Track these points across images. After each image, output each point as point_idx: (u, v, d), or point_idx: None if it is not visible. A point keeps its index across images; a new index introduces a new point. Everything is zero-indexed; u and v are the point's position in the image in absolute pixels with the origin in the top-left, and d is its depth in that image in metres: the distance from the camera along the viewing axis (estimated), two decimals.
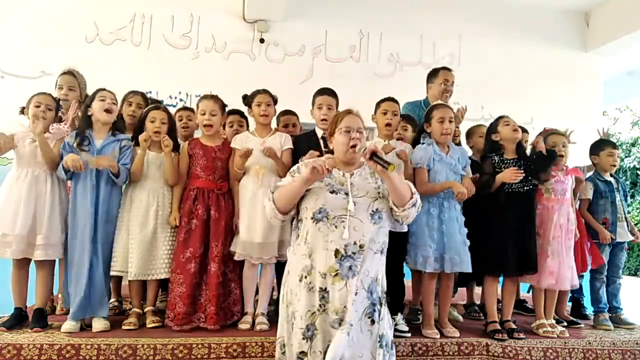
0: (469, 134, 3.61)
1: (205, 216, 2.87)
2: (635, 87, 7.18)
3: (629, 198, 4.23)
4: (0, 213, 2.71)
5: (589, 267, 3.43)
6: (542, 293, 3.12)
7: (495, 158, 3.08)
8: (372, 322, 2.06)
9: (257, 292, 3.01)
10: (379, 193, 2.15)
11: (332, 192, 2.11)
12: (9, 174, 2.80)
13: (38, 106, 2.79)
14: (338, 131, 2.19)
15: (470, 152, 3.41)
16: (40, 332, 2.65)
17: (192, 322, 2.80)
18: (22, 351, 2.46)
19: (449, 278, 2.98)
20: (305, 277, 2.07)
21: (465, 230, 2.93)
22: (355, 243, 2.05)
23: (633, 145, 12.56)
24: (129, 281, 2.88)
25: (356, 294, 2.03)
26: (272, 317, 2.80)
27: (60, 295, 3.06)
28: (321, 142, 2.97)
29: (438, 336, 2.86)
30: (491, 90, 5.28)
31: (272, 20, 5.21)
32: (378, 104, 3.05)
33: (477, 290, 3.55)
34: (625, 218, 3.48)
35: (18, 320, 2.75)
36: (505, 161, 3.06)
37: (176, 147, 2.94)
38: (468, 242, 2.90)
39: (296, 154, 2.97)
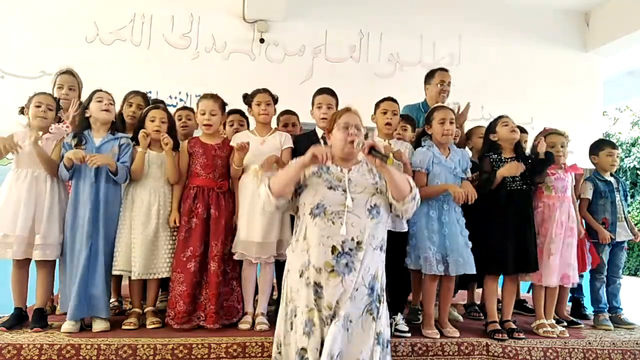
0: (469, 135, 3.61)
1: (205, 215, 2.87)
2: (635, 87, 7.18)
3: (629, 198, 4.22)
4: (0, 214, 2.71)
5: (589, 267, 3.43)
6: (542, 293, 3.12)
7: (494, 157, 3.08)
8: (372, 319, 2.07)
9: (256, 292, 3.01)
10: (377, 189, 2.17)
11: (330, 188, 2.13)
12: (8, 174, 2.80)
13: (39, 106, 2.79)
14: (336, 127, 2.22)
15: (470, 154, 3.41)
16: (40, 332, 2.65)
17: (192, 321, 2.80)
18: (22, 351, 2.46)
19: (450, 279, 2.97)
20: (304, 272, 2.09)
21: (467, 232, 2.93)
22: (352, 239, 2.06)
23: (633, 145, 12.56)
24: (130, 281, 2.88)
25: (357, 289, 2.05)
26: (272, 317, 2.79)
27: (60, 296, 3.06)
28: (321, 141, 2.99)
29: (438, 336, 2.86)
30: (491, 90, 5.28)
31: (272, 20, 5.21)
32: (377, 104, 3.06)
33: (477, 290, 3.55)
34: (625, 218, 3.48)
35: (18, 320, 2.75)
36: (503, 160, 3.06)
37: (176, 146, 2.94)
38: (470, 244, 2.90)
39: (296, 154, 2.97)
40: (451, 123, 2.95)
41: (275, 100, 3.09)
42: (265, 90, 3.05)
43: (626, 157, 12.26)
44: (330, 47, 5.38)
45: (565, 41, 5.92)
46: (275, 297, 3.15)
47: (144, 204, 2.86)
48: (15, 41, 4.75)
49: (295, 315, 2.08)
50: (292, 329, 2.08)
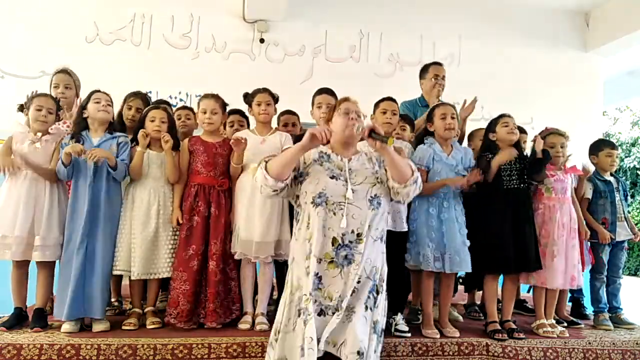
0: (471, 136, 3.61)
1: (206, 213, 2.88)
2: (635, 87, 7.18)
3: (629, 198, 4.23)
4: None
5: (588, 267, 3.43)
6: (542, 293, 3.11)
7: (490, 156, 3.07)
8: (370, 309, 2.09)
9: (256, 292, 3.01)
10: (377, 178, 2.18)
11: (332, 177, 2.14)
12: (8, 175, 2.80)
13: (39, 110, 2.79)
14: (337, 114, 2.23)
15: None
16: (40, 332, 2.65)
17: (194, 319, 2.81)
18: (22, 351, 2.46)
19: (449, 278, 2.98)
20: (305, 260, 2.10)
21: (465, 231, 2.93)
22: (353, 232, 2.08)
23: (633, 145, 12.56)
24: (130, 281, 2.88)
25: (359, 282, 2.06)
26: (272, 317, 2.79)
27: (56, 299, 3.04)
28: None
29: (438, 336, 2.86)
30: (491, 90, 5.26)
31: (272, 20, 5.21)
32: (377, 104, 3.06)
33: (478, 291, 3.55)
34: (625, 217, 3.47)
35: (18, 320, 2.75)
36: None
37: (176, 146, 2.94)
38: (468, 243, 2.91)
39: None
40: (452, 118, 2.96)
41: (275, 99, 3.09)
42: (265, 90, 3.06)
43: (626, 157, 12.26)
44: (330, 47, 5.38)
45: (565, 41, 5.92)
46: (275, 297, 3.14)
47: (143, 203, 2.86)
48: (15, 41, 4.74)
49: (301, 304, 2.08)
50: (299, 315, 2.08)
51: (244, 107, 3.22)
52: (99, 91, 2.89)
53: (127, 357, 2.53)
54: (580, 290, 3.58)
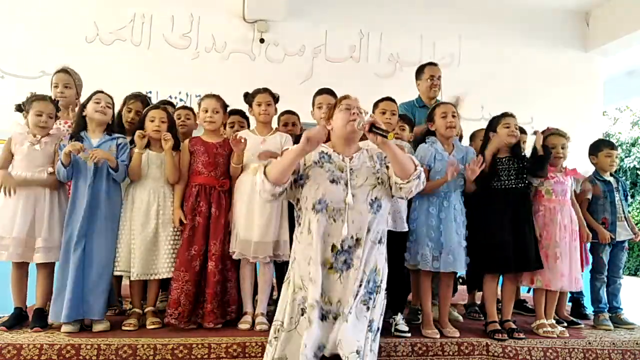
0: (472, 137, 3.61)
1: (208, 213, 2.88)
2: (635, 87, 7.18)
3: (629, 198, 4.23)
4: None
5: (588, 267, 3.43)
6: (543, 293, 3.11)
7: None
8: (367, 309, 2.09)
9: (256, 292, 3.01)
10: (378, 179, 2.17)
11: (332, 181, 2.12)
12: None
13: (39, 115, 2.77)
14: (337, 110, 2.20)
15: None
16: (40, 332, 2.65)
17: (193, 320, 2.81)
18: (22, 351, 2.46)
19: (449, 277, 2.99)
20: (308, 265, 2.09)
21: (463, 231, 2.94)
22: (352, 237, 2.08)
23: (633, 145, 12.56)
24: (130, 281, 2.88)
25: (360, 285, 2.07)
26: (272, 317, 2.79)
27: (52, 302, 3.04)
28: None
29: (438, 336, 2.86)
30: (491, 90, 5.28)
31: (272, 20, 5.21)
32: (376, 104, 3.06)
33: (478, 291, 3.55)
34: (626, 217, 3.47)
35: (18, 320, 2.75)
36: (499, 159, 3.07)
37: (176, 146, 2.94)
38: (464, 243, 2.92)
39: None
40: (453, 116, 2.97)
41: (276, 99, 3.09)
42: (265, 90, 3.06)
43: (626, 157, 12.26)
44: (330, 47, 5.39)
45: (565, 41, 5.92)
46: (275, 297, 3.14)
47: (143, 204, 2.86)
48: (15, 41, 4.75)
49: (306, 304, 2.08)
50: (302, 315, 2.08)
51: (244, 107, 3.23)
52: (101, 92, 2.88)
53: (127, 357, 2.53)
54: (580, 291, 3.58)
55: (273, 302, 3.06)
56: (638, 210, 11.49)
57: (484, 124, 3.32)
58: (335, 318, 2.07)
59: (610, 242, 3.40)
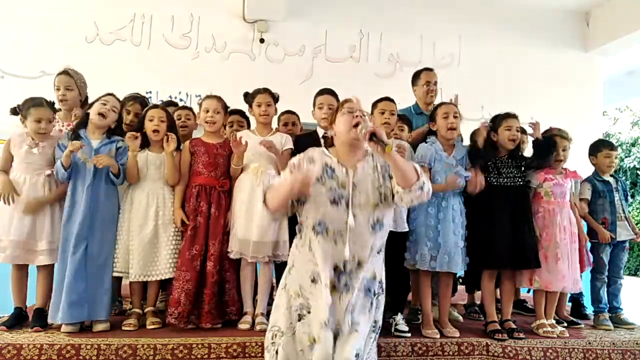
0: (473, 135, 3.60)
1: (208, 213, 2.88)
2: (635, 87, 7.18)
3: (629, 198, 4.22)
4: None
5: (588, 268, 3.43)
6: (543, 293, 3.11)
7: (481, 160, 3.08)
8: (369, 311, 2.09)
9: (256, 292, 3.01)
10: (380, 194, 2.10)
11: (333, 201, 2.05)
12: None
13: (39, 122, 2.75)
14: (340, 114, 2.15)
15: None
16: (40, 332, 2.65)
17: (192, 319, 2.81)
18: (22, 351, 2.46)
19: (448, 277, 2.99)
20: (313, 280, 2.07)
21: (462, 232, 2.94)
22: (354, 258, 2.05)
23: (633, 145, 12.55)
24: (130, 282, 2.88)
25: (356, 301, 2.06)
26: None
27: (52, 303, 3.04)
28: (322, 141, 2.99)
29: (438, 336, 2.86)
30: (491, 90, 5.28)
31: (272, 20, 5.21)
32: (375, 104, 3.06)
33: (477, 291, 3.55)
34: (626, 217, 3.47)
35: (18, 320, 2.75)
36: (499, 158, 3.08)
37: (177, 146, 2.93)
38: (462, 244, 2.92)
39: (297, 154, 2.97)
40: (455, 117, 2.97)
41: (276, 99, 3.09)
42: (265, 90, 3.06)
43: (626, 157, 12.25)
44: (330, 47, 5.38)
45: (565, 41, 5.92)
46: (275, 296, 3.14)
47: (141, 205, 2.85)
48: (15, 41, 4.74)
49: (309, 312, 2.05)
50: (299, 320, 2.06)
51: (244, 107, 3.23)
52: (112, 95, 2.88)
53: (127, 357, 2.53)
54: (580, 291, 3.58)
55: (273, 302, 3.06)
56: (638, 210, 11.48)
57: None
58: (335, 337, 2.03)
59: (611, 242, 3.40)
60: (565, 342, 2.95)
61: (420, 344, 2.78)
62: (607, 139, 8.22)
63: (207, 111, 2.97)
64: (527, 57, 5.71)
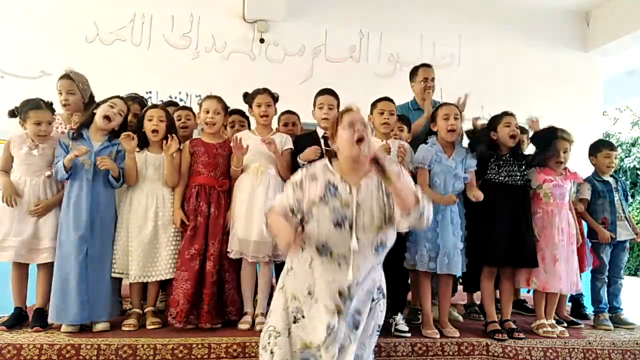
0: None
1: (207, 213, 2.88)
2: (635, 87, 7.18)
3: (629, 198, 4.22)
4: None
5: (589, 268, 3.43)
6: (543, 294, 3.11)
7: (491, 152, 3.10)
8: (372, 318, 2.09)
9: (256, 292, 3.01)
10: (384, 214, 2.00)
11: (337, 224, 1.96)
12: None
13: (38, 124, 2.75)
14: (341, 128, 2.04)
15: None
16: (40, 332, 2.65)
17: (191, 320, 2.81)
18: (22, 351, 2.46)
19: (448, 277, 2.99)
20: (309, 293, 2.04)
21: (460, 233, 2.94)
22: (357, 283, 2.00)
23: (633, 145, 12.55)
24: (130, 282, 2.87)
25: (358, 327, 2.05)
26: None
27: (52, 303, 3.04)
28: (322, 141, 3.00)
29: (438, 336, 2.86)
30: (491, 90, 5.27)
31: (272, 20, 5.21)
32: (374, 104, 3.06)
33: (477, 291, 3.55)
34: (626, 217, 3.47)
35: (18, 320, 2.76)
36: (500, 156, 3.09)
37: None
38: (461, 245, 2.92)
39: (297, 154, 2.98)
40: (456, 119, 2.96)
41: (275, 99, 3.09)
42: (265, 91, 3.06)
43: (626, 157, 12.25)
44: (330, 47, 5.38)
45: (565, 41, 5.92)
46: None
47: (140, 206, 2.85)
48: (15, 41, 4.74)
49: (303, 317, 2.04)
50: (295, 322, 2.05)
51: (243, 107, 3.23)
52: (120, 98, 2.88)
53: (127, 357, 2.53)
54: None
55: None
56: (638, 210, 11.49)
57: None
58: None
59: (611, 242, 3.40)
60: (565, 342, 2.95)
61: (420, 344, 2.78)
62: (607, 139, 8.22)
63: (207, 112, 2.97)
64: (527, 57, 5.71)
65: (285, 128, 3.42)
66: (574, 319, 3.40)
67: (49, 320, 2.73)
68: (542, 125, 3.31)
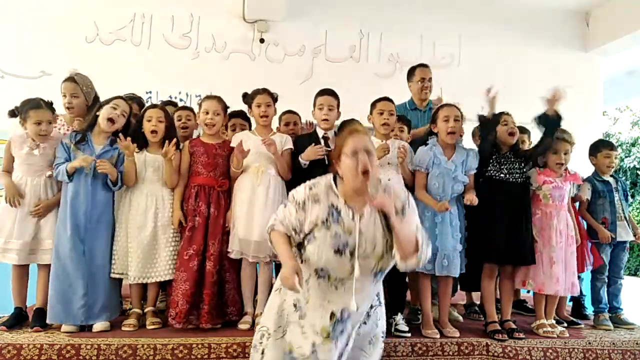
0: (474, 134, 3.61)
1: (207, 213, 2.88)
2: (635, 87, 7.18)
3: (629, 198, 4.22)
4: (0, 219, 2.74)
5: (589, 268, 3.43)
6: (543, 294, 3.11)
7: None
8: (375, 325, 2.08)
9: (256, 292, 3.01)
10: (386, 242, 1.92)
11: (337, 251, 1.89)
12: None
13: (39, 123, 2.75)
14: (344, 155, 1.91)
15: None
16: (41, 332, 2.65)
17: (193, 320, 2.81)
18: (22, 351, 2.46)
19: (448, 277, 2.98)
20: (295, 307, 2.00)
21: (460, 235, 2.94)
22: (357, 309, 1.94)
23: (633, 145, 12.54)
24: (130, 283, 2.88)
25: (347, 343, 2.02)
26: None
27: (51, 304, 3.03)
28: (322, 142, 3.00)
29: (438, 336, 2.86)
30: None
31: (272, 20, 5.21)
32: (373, 104, 3.06)
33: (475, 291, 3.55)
34: (626, 218, 3.47)
35: (18, 320, 2.76)
36: (501, 154, 3.09)
37: (177, 146, 2.92)
38: (460, 247, 2.92)
39: (297, 154, 2.98)
40: (456, 121, 2.96)
41: (275, 99, 3.09)
42: (264, 91, 3.05)
43: (626, 157, 12.24)
44: (330, 47, 5.38)
45: (565, 41, 5.92)
46: None
47: (140, 207, 2.85)
48: (15, 41, 4.74)
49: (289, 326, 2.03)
50: (288, 325, 2.04)
51: (244, 107, 3.22)
52: (122, 98, 2.87)
53: (127, 357, 2.53)
54: (580, 291, 3.58)
55: None
56: (638, 210, 11.48)
57: None
58: None
59: (612, 242, 3.40)
60: (565, 342, 2.95)
61: (420, 344, 2.78)
62: (607, 139, 8.21)
63: (207, 113, 2.96)
64: (527, 57, 5.71)
65: (287, 127, 3.42)
66: (574, 319, 3.40)
67: (48, 321, 2.73)
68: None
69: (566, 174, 3.20)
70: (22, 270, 2.82)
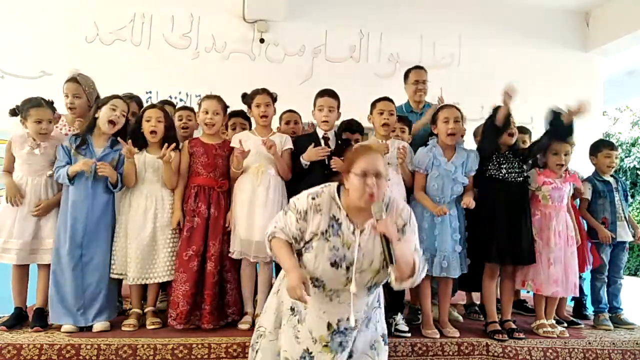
0: (476, 134, 3.61)
1: (206, 214, 2.88)
2: (635, 87, 7.18)
3: (629, 198, 4.23)
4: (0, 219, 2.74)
5: (589, 268, 3.43)
6: (543, 294, 3.11)
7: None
8: (376, 327, 2.07)
9: (256, 293, 3.01)
10: (383, 259, 1.87)
11: (334, 264, 1.88)
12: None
13: (39, 122, 2.74)
14: (353, 173, 1.87)
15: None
16: (41, 332, 2.65)
17: (193, 321, 2.81)
18: (22, 351, 2.46)
19: (448, 277, 2.98)
20: (293, 311, 2.00)
21: (459, 236, 2.94)
22: (348, 319, 1.94)
23: (633, 145, 12.53)
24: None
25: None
26: None
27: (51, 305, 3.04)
28: (322, 142, 2.99)
29: (438, 336, 2.86)
30: (491, 90, 5.24)
31: (272, 20, 5.21)
32: (374, 104, 3.06)
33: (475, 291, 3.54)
34: (626, 218, 3.46)
35: (18, 320, 2.76)
36: (500, 153, 3.09)
37: (176, 146, 2.92)
38: (459, 248, 2.92)
39: (297, 154, 2.98)
40: (456, 122, 2.95)
41: (274, 99, 3.08)
42: (264, 91, 3.05)
43: (626, 157, 12.24)
44: (330, 47, 5.39)
45: (565, 41, 5.92)
46: None
47: (139, 208, 2.85)
48: (15, 41, 4.75)
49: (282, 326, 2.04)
50: (281, 328, 2.05)
51: (243, 107, 3.22)
52: (119, 98, 2.85)
53: (127, 357, 2.53)
54: (582, 291, 3.58)
55: None
56: (638, 210, 11.48)
57: None
58: None
59: (612, 242, 3.40)
60: (565, 342, 2.95)
61: (420, 344, 2.78)
62: (607, 139, 8.21)
63: (207, 112, 2.96)
64: (527, 57, 5.71)
65: (288, 126, 3.42)
66: (574, 319, 3.40)
67: (49, 321, 2.73)
68: (542, 126, 3.30)
69: (566, 174, 3.19)
70: (22, 270, 2.82)
